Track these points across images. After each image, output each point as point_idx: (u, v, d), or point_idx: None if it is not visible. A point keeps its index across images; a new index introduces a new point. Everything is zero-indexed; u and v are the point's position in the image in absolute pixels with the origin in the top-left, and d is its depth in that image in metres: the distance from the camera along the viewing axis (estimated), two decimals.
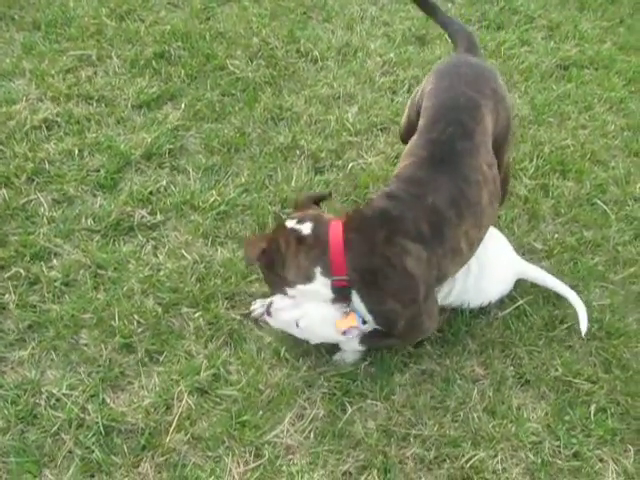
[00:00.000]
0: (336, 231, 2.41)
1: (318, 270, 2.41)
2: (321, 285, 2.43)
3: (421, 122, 2.66)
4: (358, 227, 2.42)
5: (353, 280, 2.41)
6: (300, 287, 2.46)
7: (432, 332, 2.64)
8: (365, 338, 2.55)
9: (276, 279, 2.50)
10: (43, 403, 2.41)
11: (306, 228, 2.43)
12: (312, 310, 2.48)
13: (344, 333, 2.46)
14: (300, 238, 2.42)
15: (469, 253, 2.58)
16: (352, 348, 2.59)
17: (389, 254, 2.38)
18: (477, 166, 2.52)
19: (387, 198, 2.48)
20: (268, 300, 2.56)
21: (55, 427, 2.34)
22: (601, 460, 2.41)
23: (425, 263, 2.41)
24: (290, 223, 2.48)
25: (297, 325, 2.49)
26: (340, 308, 2.47)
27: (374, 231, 2.40)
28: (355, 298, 2.45)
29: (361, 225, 2.43)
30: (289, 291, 2.49)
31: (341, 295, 2.45)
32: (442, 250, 2.44)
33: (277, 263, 2.45)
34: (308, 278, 2.43)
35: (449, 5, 4.79)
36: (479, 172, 2.52)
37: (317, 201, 2.66)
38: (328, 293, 2.45)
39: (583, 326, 2.71)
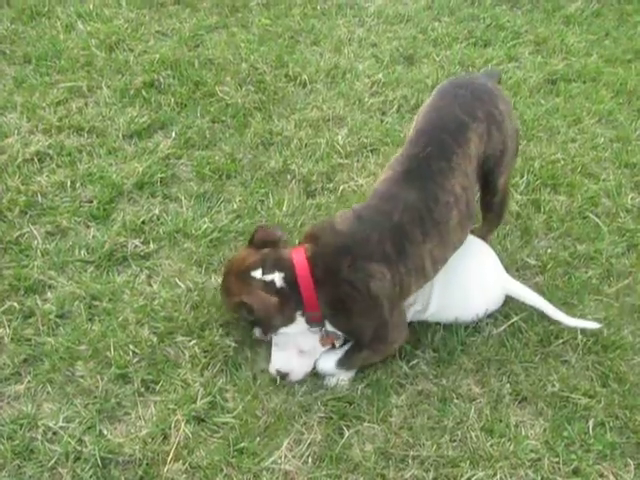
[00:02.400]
0: (304, 272, 2.49)
1: (298, 313, 2.54)
2: (300, 323, 2.57)
3: (408, 137, 2.73)
4: (324, 261, 2.50)
5: (325, 313, 2.54)
6: (282, 329, 2.58)
7: (401, 343, 2.67)
8: (341, 360, 2.61)
9: (261, 324, 2.61)
10: (40, 437, 2.39)
11: (278, 280, 2.51)
12: (300, 342, 2.62)
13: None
14: (278, 291, 2.51)
15: (432, 272, 2.63)
16: (327, 371, 2.63)
17: (353, 279, 2.46)
18: (449, 187, 2.56)
19: (354, 219, 2.54)
20: (273, 371, 2.63)
21: (52, 461, 2.33)
22: (601, 475, 2.40)
23: (389, 282, 2.48)
24: (257, 273, 2.52)
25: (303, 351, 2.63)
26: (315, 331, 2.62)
27: (339, 260, 2.47)
28: (327, 324, 2.60)
29: (326, 257, 2.50)
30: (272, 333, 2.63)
31: (316, 326, 2.59)
32: (405, 268, 2.51)
33: (261, 315, 2.51)
34: (290, 321, 2.56)
35: (436, 24, 4.83)
36: (451, 193, 2.57)
37: (271, 243, 2.64)
38: (304, 326, 2.59)
39: (592, 324, 2.77)
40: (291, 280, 2.49)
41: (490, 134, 2.68)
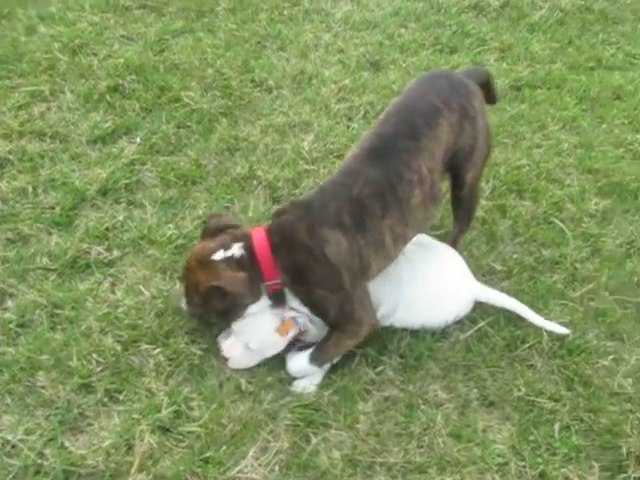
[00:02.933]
0: (260, 239, 2.52)
1: (262, 286, 2.54)
2: (264, 300, 2.58)
3: (379, 117, 2.77)
4: (281, 228, 2.54)
5: (285, 281, 2.53)
6: (251, 307, 2.58)
7: (370, 328, 2.63)
8: (312, 354, 2.59)
9: (231, 309, 2.57)
10: None
11: (237, 250, 2.53)
12: (252, 329, 2.61)
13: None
14: (239, 263, 2.50)
15: (394, 249, 2.65)
16: (300, 370, 2.61)
17: (310, 245, 2.48)
18: (415, 166, 2.59)
19: (315, 192, 2.61)
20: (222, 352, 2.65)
21: (10, 475, 2.27)
22: (567, 478, 2.40)
23: (346, 250, 2.50)
24: (218, 255, 2.53)
25: (250, 349, 2.60)
26: (274, 316, 2.61)
27: (295, 226, 2.51)
28: (288, 296, 2.58)
29: (283, 225, 2.54)
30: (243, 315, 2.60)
31: (277, 299, 2.58)
32: (363, 240, 2.52)
33: (235, 292, 2.49)
34: (257, 296, 2.56)
35: (402, 30, 4.84)
36: (416, 172, 2.60)
37: (224, 229, 2.68)
38: (267, 301, 2.58)
39: (561, 329, 2.80)
40: (249, 248, 2.51)
41: (462, 127, 2.71)
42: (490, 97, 3.02)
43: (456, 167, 2.79)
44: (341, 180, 2.59)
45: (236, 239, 2.56)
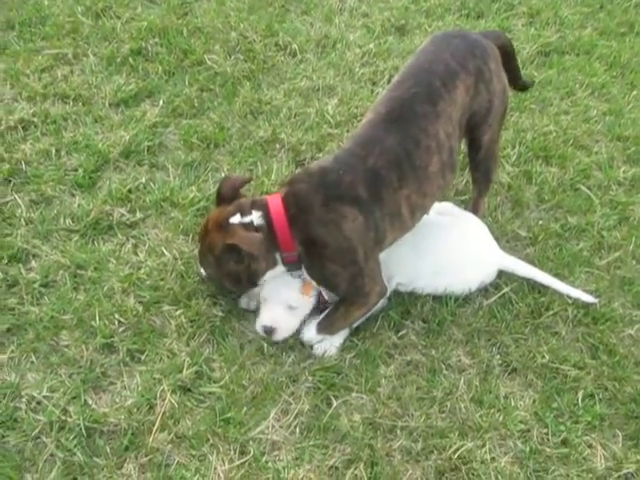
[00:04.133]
0: (277, 209, 2.47)
1: (277, 254, 2.51)
2: (281, 267, 2.56)
3: (393, 79, 2.70)
4: (298, 199, 2.48)
5: (301, 253, 2.50)
6: (268, 274, 2.56)
7: (379, 298, 2.61)
8: (320, 323, 2.59)
9: (247, 274, 2.54)
10: (23, 407, 2.37)
11: (256, 218, 2.48)
12: (283, 288, 2.61)
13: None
14: (257, 230, 2.47)
15: (411, 220, 2.60)
16: (310, 339, 2.61)
17: (327, 220, 2.44)
18: (433, 132, 2.53)
19: (329, 162, 2.54)
20: (259, 329, 2.61)
21: (36, 430, 2.30)
22: (590, 446, 2.39)
23: (361, 226, 2.45)
24: (235, 219, 2.49)
25: (291, 307, 2.60)
26: (293, 278, 2.63)
27: (311, 199, 2.45)
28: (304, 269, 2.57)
29: (300, 196, 2.48)
30: (259, 282, 2.59)
31: (294, 270, 2.58)
32: (380, 213, 2.47)
33: (250, 251, 2.45)
34: (273, 263, 2.53)
35: None
36: (433, 138, 2.53)
37: (240, 187, 2.65)
38: (282, 268, 2.57)
39: (588, 298, 2.76)
40: (267, 218, 2.47)
41: (477, 90, 2.66)
42: (511, 71, 2.93)
43: (472, 130, 2.74)
44: (356, 150, 2.52)
45: (254, 206, 2.50)
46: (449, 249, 2.76)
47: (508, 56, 2.91)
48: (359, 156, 2.49)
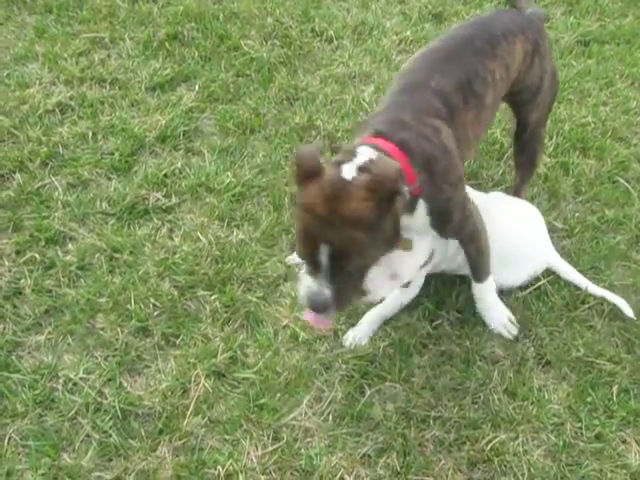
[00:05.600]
0: (381, 141, 2.14)
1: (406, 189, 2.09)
2: (419, 215, 2.27)
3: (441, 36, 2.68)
4: (391, 126, 2.20)
5: (421, 180, 2.18)
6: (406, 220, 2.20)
7: (484, 236, 2.51)
8: (475, 276, 2.61)
9: (392, 224, 2.08)
10: (60, 387, 2.41)
11: (370, 154, 2.07)
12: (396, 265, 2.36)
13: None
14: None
15: (473, 149, 2.54)
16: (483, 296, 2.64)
17: (426, 133, 2.21)
18: (490, 68, 2.47)
19: (395, 89, 2.42)
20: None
21: (72, 411, 2.34)
22: (624, 442, 2.37)
23: (452, 137, 2.29)
24: (348, 169, 2.01)
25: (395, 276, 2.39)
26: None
27: (403, 119, 2.22)
28: (420, 205, 2.25)
29: (391, 121, 2.23)
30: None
31: (412, 206, 2.22)
32: (456, 133, 2.33)
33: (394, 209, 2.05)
34: (411, 207, 2.22)
35: None
36: (490, 73, 2.46)
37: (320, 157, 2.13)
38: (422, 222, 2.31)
39: (629, 312, 2.69)
40: (382, 151, 2.10)
41: (532, 60, 2.64)
42: None
43: (520, 106, 2.74)
44: (414, 78, 2.38)
45: (353, 152, 2.08)
46: (503, 238, 2.68)
47: None
48: (421, 80, 2.36)
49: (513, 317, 2.65)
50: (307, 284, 2.07)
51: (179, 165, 3.21)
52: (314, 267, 2.04)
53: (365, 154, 2.05)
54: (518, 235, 2.76)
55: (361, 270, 2.07)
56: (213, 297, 2.68)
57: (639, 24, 4.38)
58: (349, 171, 1.99)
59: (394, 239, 2.12)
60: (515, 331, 2.63)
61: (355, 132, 2.44)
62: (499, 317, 2.65)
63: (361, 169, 2.00)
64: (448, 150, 2.25)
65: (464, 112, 2.37)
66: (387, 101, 2.39)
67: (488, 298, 2.66)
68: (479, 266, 2.60)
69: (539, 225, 2.85)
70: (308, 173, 2.02)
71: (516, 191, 2.99)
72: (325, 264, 1.99)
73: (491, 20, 2.66)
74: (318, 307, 2.08)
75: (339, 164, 2.04)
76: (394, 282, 2.41)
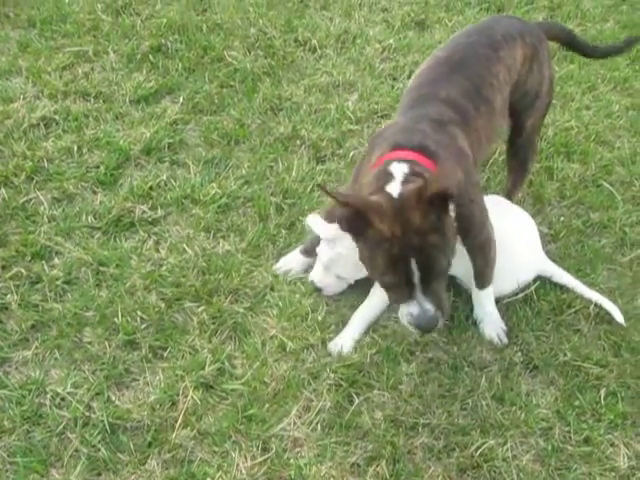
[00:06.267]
0: (413, 154, 2.21)
1: None
2: None
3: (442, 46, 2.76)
4: (411, 136, 2.26)
5: None
6: None
7: (494, 246, 2.57)
8: (478, 284, 2.64)
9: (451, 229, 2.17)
10: (48, 403, 2.38)
11: (405, 168, 2.15)
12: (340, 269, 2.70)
13: None
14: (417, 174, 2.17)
15: (482, 153, 2.60)
16: (484, 308, 2.66)
17: (445, 140, 2.29)
18: (495, 72, 2.53)
19: (403, 106, 2.51)
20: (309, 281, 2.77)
21: (61, 426, 2.32)
22: (612, 445, 2.37)
23: (465, 141, 2.39)
24: (394, 188, 2.09)
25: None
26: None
27: (422, 129, 2.28)
28: None
29: (410, 131, 2.29)
30: None
31: None
32: (469, 138, 2.41)
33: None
34: None
35: None
36: (495, 77, 2.53)
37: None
38: None
39: (619, 317, 2.70)
40: (418, 165, 2.18)
41: (531, 67, 2.69)
42: (580, 48, 3.10)
43: (520, 112, 2.77)
44: (422, 90, 2.49)
45: (386, 171, 2.16)
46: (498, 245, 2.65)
47: (568, 42, 3.07)
48: (430, 93, 2.45)
49: (505, 328, 2.66)
50: (407, 312, 2.15)
51: (164, 177, 3.21)
52: (408, 291, 2.11)
53: (398, 169, 2.14)
54: (512, 244, 2.73)
55: (445, 272, 2.16)
56: (200, 309, 2.68)
57: (620, 29, 4.44)
58: (395, 189, 2.09)
59: (454, 238, 2.19)
60: (506, 340, 2.64)
61: (370, 147, 2.44)
62: (494, 325, 2.66)
63: (403, 183, 2.10)
64: (466, 154, 2.36)
65: (476, 118, 2.45)
66: (399, 116, 2.49)
67: (488, 305, 2.67)
68: (484, 274, 2.62)
69: (532, 232, 2.85)
70: (363, 215, 2.06)
71: (507, 196, 3.01)
72: (417, 279, 2.07)
73: (491, 25, 2.72)
74: (430, 327, 2.17)
75: (381, 189, 2.11)
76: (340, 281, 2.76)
